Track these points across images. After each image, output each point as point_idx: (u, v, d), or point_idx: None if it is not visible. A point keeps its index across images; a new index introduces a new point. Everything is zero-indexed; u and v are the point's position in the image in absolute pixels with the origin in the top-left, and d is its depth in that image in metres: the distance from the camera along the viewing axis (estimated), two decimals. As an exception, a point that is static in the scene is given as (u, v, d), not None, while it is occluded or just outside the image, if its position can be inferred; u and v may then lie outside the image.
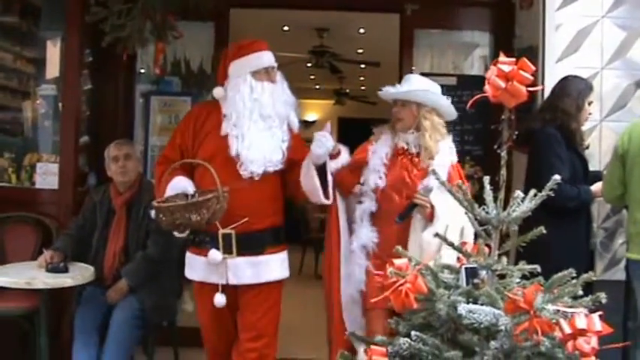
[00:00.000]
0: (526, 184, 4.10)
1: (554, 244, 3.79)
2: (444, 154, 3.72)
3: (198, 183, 3.71)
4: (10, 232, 5.09)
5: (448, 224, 3.36)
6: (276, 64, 3.80)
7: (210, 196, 3.36)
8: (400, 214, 3.63)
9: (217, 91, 3.79)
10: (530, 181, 4.08)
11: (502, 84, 2.28)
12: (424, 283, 2.27)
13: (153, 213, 3.54)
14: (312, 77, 13.91)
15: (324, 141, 3.55)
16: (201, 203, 3.36)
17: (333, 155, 3.69)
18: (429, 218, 3.59)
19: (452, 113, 3.83)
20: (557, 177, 2.37)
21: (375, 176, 3.74)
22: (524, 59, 2.28)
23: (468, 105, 2.52)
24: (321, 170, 3.68)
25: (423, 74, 5.76)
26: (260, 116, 3.68)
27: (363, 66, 11.44)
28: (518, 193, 2.37)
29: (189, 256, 3.85)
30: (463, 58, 6.02)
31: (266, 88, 3.71)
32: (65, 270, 4.19)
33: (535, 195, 2.40)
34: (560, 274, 2.34)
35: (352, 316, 3.74)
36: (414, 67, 5.94)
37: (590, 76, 4.55)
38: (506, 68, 2.29)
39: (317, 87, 15.35)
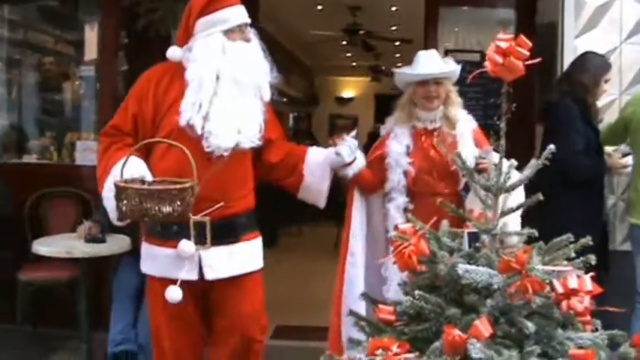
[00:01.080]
0: (540, 155, 4.21)
1: (566, 215, 3.93)
2: (464, 121, 3.76)
3: (154, 166, 3.14)
4: (53, 206, 5.37)
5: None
6: (249, 20, 3.28)
7: (187, 186, 2.79)
8: (465, 187, 3.61)
9: (172, 52, 3.26)
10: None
11: (500, 59, 2.40)
12: (427, 246, 2.42)
13: (112, 193, 2.86)
14: (348, 55, 14.02)
15: (353, 148, 3.42)
16: (177, 192, 2.77)
17: (348, 163, 3.52)
18: None
19: None
20: (552, 147, 2.47)
21: (398, 171, 3.71)
22: (522, 35, 2.38)
23: (469, 79, 2.65)
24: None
25: (448, 51, 5.92)
26: (233, 81, 3.15)
27: (397, 43, 11.51)
28: (513, 162, 2.50)
29: (148, 247, 3.30)
30: (488, 35, 6.00)
31: (241, 49, 3.21)
32: (103, 240, 4.39)
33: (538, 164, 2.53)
34: (558, 238, 2.47)
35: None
36: (446, 44, 6.00)
37: (609, 50, 4.64)
38: (503, 45, 2.38)
39: (353, 64, 15.44)
